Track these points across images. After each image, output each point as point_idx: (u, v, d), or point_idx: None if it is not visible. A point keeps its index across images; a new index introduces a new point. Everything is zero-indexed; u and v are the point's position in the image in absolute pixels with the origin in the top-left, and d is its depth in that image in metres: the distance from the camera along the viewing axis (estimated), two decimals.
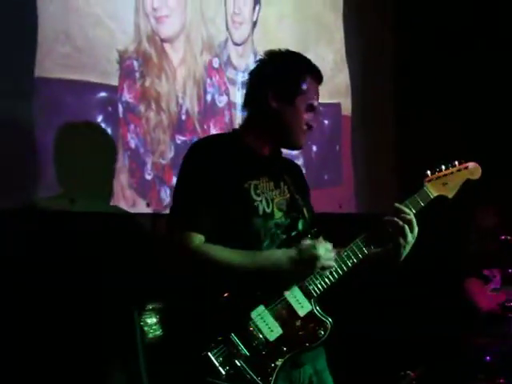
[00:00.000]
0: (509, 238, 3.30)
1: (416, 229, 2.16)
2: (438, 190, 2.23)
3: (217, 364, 2.02)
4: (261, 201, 2.14)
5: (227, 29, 3.70)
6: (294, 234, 2.20)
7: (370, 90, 4.48)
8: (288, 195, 2.23)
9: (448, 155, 2.31)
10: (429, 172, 2.24)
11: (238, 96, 3.76)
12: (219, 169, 2.12)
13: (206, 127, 3.56)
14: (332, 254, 2.10)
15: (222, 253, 2.08)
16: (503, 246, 3.28)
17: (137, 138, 3.24)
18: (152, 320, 2.99)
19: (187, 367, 2.06)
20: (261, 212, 2.14)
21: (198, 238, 2.08)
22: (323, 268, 2.09)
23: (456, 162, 2.26)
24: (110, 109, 3.13)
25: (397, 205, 2.16)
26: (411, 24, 4.58)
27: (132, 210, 3.18)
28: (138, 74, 3.27)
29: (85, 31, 3.01)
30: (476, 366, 3.42)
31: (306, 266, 2.08)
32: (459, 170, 2.25)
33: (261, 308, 2.09)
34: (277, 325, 2.08)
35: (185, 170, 2.19)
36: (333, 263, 2.10)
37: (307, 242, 2.09)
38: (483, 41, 4.44)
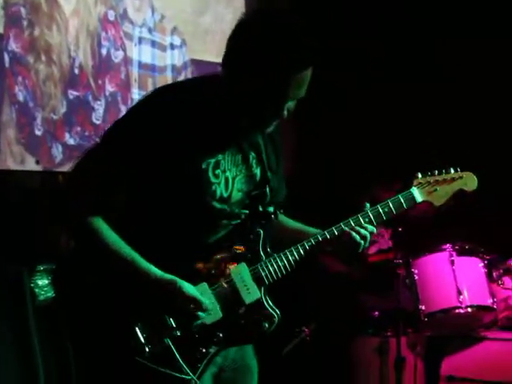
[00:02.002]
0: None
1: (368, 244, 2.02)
2: (425, 196, 2.06)
3: (141, 339, 1.81)
4: (219, 183, 1.89)
5: None
6: (248, 219, 1.97)
7: None
8: (256, 170, 1.98)
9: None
10: (419, 174, 2.08)
11: (135, 52, 3.64)
12: (173, 137, 1.82)
13: (100, 82, 3.43)
14: (202, 301, 1.84)
15: (111, 237, 1.84)
16: None
17: (25, 91, 3.07)
18: (43, 281, 2.91)
19: (108, 338, 1.84)
20: (218, 196, 1.89)
21: (104, 211, 1.85)
22: (186, 311, 1.84)
23: (451, 169, 2.10)
24: None
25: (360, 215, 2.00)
26: None
27: (20, 168, 3.03)
28: (25, 22, 3.08)
29: None
30: (365, 322, 3.54)
31: (166, 297, 1.83)
32: (452, 179, 2.09)
33: (203, 286, 1.88)
34: (217, 307, 1.87)
35: (126, 120, 1.88)
36: (195, 312, 1.84)
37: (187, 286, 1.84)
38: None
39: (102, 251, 1.85)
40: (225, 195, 1.91)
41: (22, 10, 3.07)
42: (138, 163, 1.83)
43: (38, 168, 3.10)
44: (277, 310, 1.92)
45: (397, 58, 4.40)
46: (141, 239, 1.86)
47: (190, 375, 1.83)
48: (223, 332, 1.87)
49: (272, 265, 1.92)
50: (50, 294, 2.91)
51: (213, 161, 1.88)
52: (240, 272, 1.90)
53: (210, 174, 1.88)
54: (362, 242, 1.98)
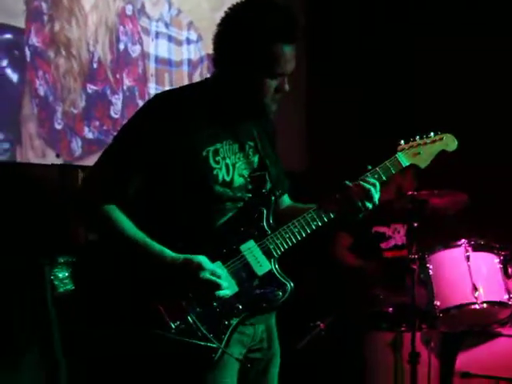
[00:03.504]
0: (415, 193, 3.40)
1: (376, 197, 2.11)
2: (410, 159, 2.20)
3: (166, 318, 1.94)
4: (220, 168, 2.04)
5: None
6: (252, 200, 2.10)
7: None
8: (253, 157, 2.14)
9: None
10: (402, 141, 2.21)
11: (152, 46, 3.68)
12: (175, 132, 1.99)
13: (118, 77, 3.47)
14: (220, 273, 1.98)
15: (125, 223, 1.98)
16: (411, 201, 3.37)
17: (46, 85, 3.11)
18: (63, 274, 2.96)
19: (134, 318, 1.97)
20: (220, 180, 2.04)
21: (117, 200, 1.99)
22: (208, 285, 1.95)
23: (432, 133, 2.24)
24: (16, 52, 2.99)
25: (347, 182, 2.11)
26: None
27: (41, 161, 3.07)
28: (46, 17, 3.12)
29: None
30: (380, 317, 3.55)
31: (186, 274, 1.95)
32: (434, 141, 2.23)
33: (218, 263, 2.01)
34: (233, 282, 2.01)
35: (133, 123, 2.05)
36: (218, 282, 1.96)
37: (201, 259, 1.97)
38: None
39: (118, 237, 1.99)
40: (227, 179, 2.05)
41: (43, 5, 3.10)
42: (147, 156, 1.98)
43: (58, 161, 3.13)
44: (289, 279, 2.05)
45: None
46: (154, 225, 2.00)
47: (216, 344, 1.96)
48: (242, 304, 2.00)
49: (278, 238, 2.06)
50: (70, 286, 2.97)
51: (212, 149, 2.03)
52: (249, 248, 2.05)
53: (211, 160, 2.02)
54: (366, 195, 2.08)
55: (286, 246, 2.07)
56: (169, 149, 1.99)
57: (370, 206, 2.10)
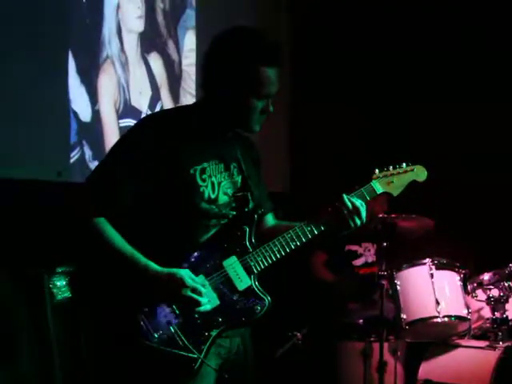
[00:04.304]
0: (385, 216, 3.58)
1: (364, 215, 2.21)
2: (383, 187, 2.30)
3: (150, 328, 2.03)
4: (206, 186, 2.13)
5: None
6: (235, 219, 2.20)
7: None
8: (237, 177, 2.23)
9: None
10: (377, 170, 2.31)
11: None
12: (163, 151, 2.08)
13: None
14: (201, 289, 2.06)
15: (114, 236, 2.06)
16: (381, 222, 3.54)
17: None
18: (61, 282, 3.13)
19: (119, 329, 2.06)
20: (206, 197, 2.13)
21: (107, 214, 2.07)
22: (189, 301, 2.05)
23: (404, 164, 2.35)
24: None
25: (345, 196, 2.21)
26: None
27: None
28: None
29: None
30: (351, 328, 3.73)
31: (168, 288, 2.05)
32: (405, 172, 2.34)
33: (201, 277, 2.10)
34: (215, 296, 2.09)
35: (125, 141, 2.14)
36: (198, 299, 2.05)
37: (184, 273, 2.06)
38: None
39: (106, 250, 2.08)
40: (212, 196, 2.15)
41: None
42: (136, 172, 2.08)
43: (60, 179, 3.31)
44: (267, 295, 2.15)
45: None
46: (141, 239, 2.10)
47: (196, 354, 2.04)
48: (222, 317, 2.10)
49: (259, 255, 2.15)
50: (67, 294, 3.13)
51: (199, 167, 2.13)
52: (231, 264, 2.14)
53: (198, 178, 2.13)
54: (357, 212, 2.18)
55: (266, 264, 2.15)
56: (158, 166, 2.07)
57: (358, 223, 2.20)
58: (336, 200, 2.22)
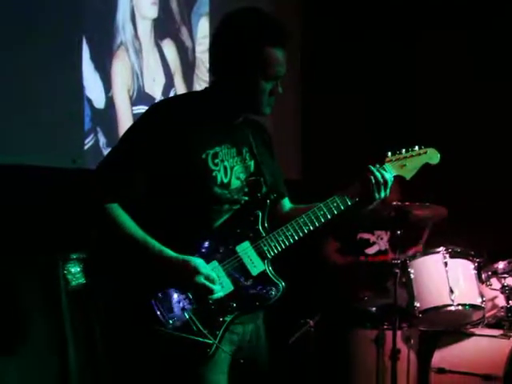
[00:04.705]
0: (399, 203, 3.54)
1: (389, 190, 2.23)
2: (396, 171, 2.29)
3: (164, 314, 2.03)
4: (219, 170, 2.13)
5: None
6: (248, 204, 2.19)
7: None
8: (250, 162, 2.23)
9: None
10: (389, 153, 2.31)
11: None
12: (175, 136, 2.09)
13: None
14: (214, 277, 2.07)
15: (127, 222, 2.07)
16: (395, 210, 3.51)
17: None
18: (76, 269, 3.16)
19: (133, 315, 2.06)
20: (219, 181, 2.13)
21: (121, 199, 2.07)
22: (202, 289, 2.06)
23: (416, 147, 2.34)
24: None
25: (372, 167, 2.23)
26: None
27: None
28: None
29: None
30: (365, 316, 3.72)
31: (182, 275, 2.05)
32: (418, 155, 2.32)
33: (214, 263, 2.11)
34: (228, 281, 2.10)
35: (137, 126, 2.15)
36: (211, 287, 2.06)
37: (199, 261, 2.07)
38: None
39: (119, 236, 2.08)
40: (225, 181, 2.14)
41: None
42: (149, 157, 2.08)
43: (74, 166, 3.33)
44: (281, 280, 2.14)
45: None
46: (154, 225, 2.10)
47: (211, 340, 2.05)
48: (236, 302, 2.10)
49: (272, 240, 2.15)
50: (82, 280, 3.16)
51: (211, 152, 2.12)
52: (245, 249, 2.14)
53: (210, 162, 2.12)
54: (385, 183, 2.21)
55: (280, 248, 2.15)
56: (170, 150, 2.07)
57: (382, 195, 2.22)
58: (360, 173, 2.23)
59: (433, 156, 2.36)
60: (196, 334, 2.06)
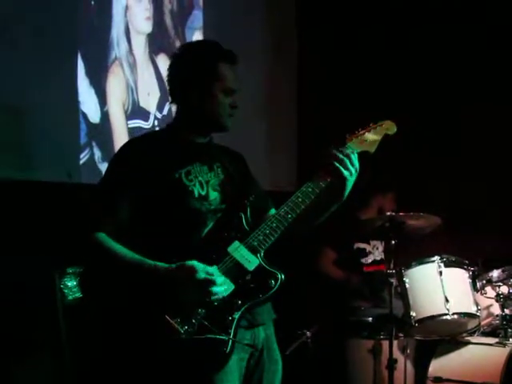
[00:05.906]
0: (393, 213, 3.59)
1: (356, 162, 2.28)
2: (358, 147, 2.34)
3: (175, 324, 2.08)
4: (194, 184, 2.26)
5: None
6: (228, 209, 2.30)
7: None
8: (222, 175, 2.34)
9: None
10: (347, 134, 2.36)
11: None
12: (147, 163, 2.23)
13: None
14: (213, 271, 2.14)
15: (120, 250, 2.17)
16: (390, 220, 3.53)
17: None
18: (72, 283, 3.17)
19: (146, 330, 2.12)
20: (196, 195, 2.25)
21: (106, 228, 2.18)
22: (204, 283, 2.11)
23: (371, 123, 2.40)
24: None
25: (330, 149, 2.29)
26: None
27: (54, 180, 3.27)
28: None
29: None
30: (361, 326, 3.76)
31: (182, 278, 2.11)
32: (375, 128, 2.39)
33: (214, 268, 2.16)
34: (228, 281, 2.16)
35: (115, 161, 2.32)
36: (213, 279, 2.12)
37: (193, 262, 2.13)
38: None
39: (110, 264, 2.20)
40: (202, 193, 2.27)
41: None
42: (127, 185, 2.22)
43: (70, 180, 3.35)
44: (278, 270, 2.22)
45: None
46: (143, 247, 2.19)
47: (225, 336, 2.12)
48: (240, 298, 2.18)
49: (259, 235, 2.22)
50: (78, 294, 3.17)
51: (183, 171, 2.27)
52: (236, 248, 2.22)
53: (184, 179, 2.26)
54: (338, 159, 2.26)
55: (269, 241, 2.22)
56: (145, 175, 2.22)
57: (353, 170, 2.26)
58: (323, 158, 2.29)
59: (390, 127, 2.41)
60: (211, 333, 2.11)
